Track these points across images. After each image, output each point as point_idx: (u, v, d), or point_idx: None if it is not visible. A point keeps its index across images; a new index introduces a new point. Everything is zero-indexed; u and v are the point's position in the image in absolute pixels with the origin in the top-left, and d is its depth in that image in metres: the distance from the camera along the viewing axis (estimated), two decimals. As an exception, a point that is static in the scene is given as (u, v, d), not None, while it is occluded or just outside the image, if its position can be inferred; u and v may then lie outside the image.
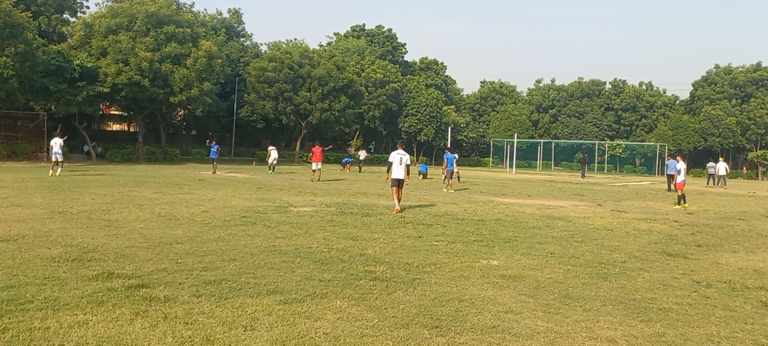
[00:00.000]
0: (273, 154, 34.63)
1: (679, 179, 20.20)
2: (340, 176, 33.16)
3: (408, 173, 15.06)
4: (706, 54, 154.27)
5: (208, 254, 8.16)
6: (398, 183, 14.92)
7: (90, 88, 37.45)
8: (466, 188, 25.50)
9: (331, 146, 45.28)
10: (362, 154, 45.50)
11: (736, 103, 67.76)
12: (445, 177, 24.91)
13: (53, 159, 24.53)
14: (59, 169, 24.20)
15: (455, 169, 26.12)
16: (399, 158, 15.00)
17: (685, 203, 19.81)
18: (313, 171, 27.82)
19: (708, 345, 5.15)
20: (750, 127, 65.17)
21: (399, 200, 14.87)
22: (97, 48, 39.42)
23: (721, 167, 39.34)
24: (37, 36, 35.14)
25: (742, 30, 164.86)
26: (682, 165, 20.63)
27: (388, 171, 15.22)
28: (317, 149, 28.26)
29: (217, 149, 32.14)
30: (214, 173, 29.52)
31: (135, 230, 10.10)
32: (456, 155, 26.59)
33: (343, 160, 42.43)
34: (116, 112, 60.24)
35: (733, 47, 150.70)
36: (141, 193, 17.16)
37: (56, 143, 24.74)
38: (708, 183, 40.13)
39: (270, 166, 34.43)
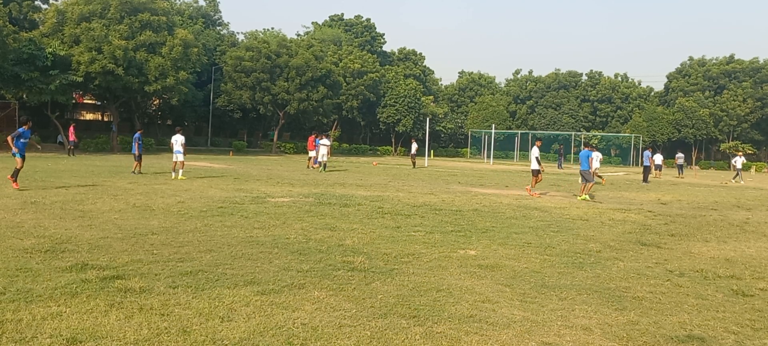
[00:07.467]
0: (322, 149, 28.09)
1: None
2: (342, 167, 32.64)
3: (538, 163, 18.94)
4: (681, 46, 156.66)
5: (184, 245, 8.08)
6: (533, 173, 19.17)
7: (63, 77, 36.73)
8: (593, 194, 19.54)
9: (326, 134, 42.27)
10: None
11: (709, 94, 68.72)
12: (587, 180, 18.68)
13: (174, 159, 20.55)
14: (181, 172, 20.19)
15: (593, 169, 19.69)
16: (530, 154, 19.74)
17: None
18: (309, 159, 30.22)
19: (680, 333, 5.24)
20: (723, 119, 66.19)
21: (533, 186, 19.36)
22: (69, 36, 38.64)
23: (680, 157, 40.87)
24: (7, 23, 34.32)
25: (716, 23, 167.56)
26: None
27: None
28: (310, 139, 30.85)
29: (138, 141, 21.65)
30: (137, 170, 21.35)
31: (109, 220, 9.96)
32: (596, 153, 21.19)
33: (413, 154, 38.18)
34: (90, 102, 59.22)
35: (707, 40, 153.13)
36: (115, 183, 16.92)
37: (177, 142, 20.61)
38: (679, 174, 40.66)
39: (321, 165, 27.88)
